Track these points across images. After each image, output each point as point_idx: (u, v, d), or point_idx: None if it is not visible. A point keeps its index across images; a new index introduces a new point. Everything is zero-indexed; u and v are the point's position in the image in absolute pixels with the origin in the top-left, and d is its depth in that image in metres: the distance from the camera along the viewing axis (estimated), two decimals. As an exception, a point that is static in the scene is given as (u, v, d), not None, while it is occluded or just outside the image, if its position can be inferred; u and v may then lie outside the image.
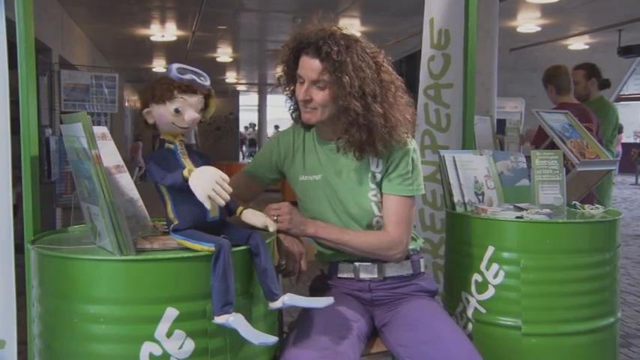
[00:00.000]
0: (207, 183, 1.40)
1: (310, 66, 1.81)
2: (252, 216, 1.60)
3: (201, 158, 1.57)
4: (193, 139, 18.37)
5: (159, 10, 8.62)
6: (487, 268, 2.07)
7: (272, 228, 1.59)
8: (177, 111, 1.48)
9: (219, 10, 8.23)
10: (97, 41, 11.12)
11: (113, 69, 8.10)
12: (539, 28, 9.09)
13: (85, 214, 1.59)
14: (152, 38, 10.35)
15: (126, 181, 1.70)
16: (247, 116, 24.28)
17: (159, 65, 14.60)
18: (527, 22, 8.80)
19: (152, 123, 1.52)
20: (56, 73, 5.38)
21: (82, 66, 7.33)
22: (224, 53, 12.86)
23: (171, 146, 1.54)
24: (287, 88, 1.95)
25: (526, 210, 2.15)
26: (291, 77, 1.91)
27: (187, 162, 1.53)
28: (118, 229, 1.41)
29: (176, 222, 1.48)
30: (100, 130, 1.77)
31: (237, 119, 21.89)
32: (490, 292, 2.07)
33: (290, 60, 1.88)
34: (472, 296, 2.11)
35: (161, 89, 1.48)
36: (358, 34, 1.88)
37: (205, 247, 1.42)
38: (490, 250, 2.06)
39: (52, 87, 5.44)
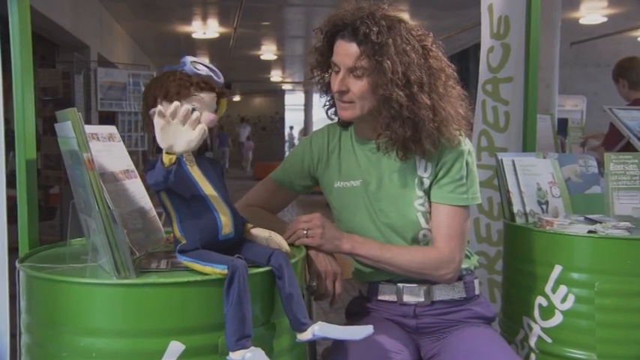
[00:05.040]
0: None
1: (346, 51, 1.60)
2: (260, 233, 1.39)
3: (212, 165, 1.37)
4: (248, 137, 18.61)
5: (199, 5, 8.58)
6: (553, 291, 1.84)
7: (284, 248, 1.37)
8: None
9: (261, 4, 8.12)
10: (138, 39, 11.20)
11: (155, 67, 8.06)
12: (604, 19, 8.66)
13: (84, 227, 1.42)
14: (194, 35, 10.36)
15: (136, 188, 1.53)
16: (293, 116, 24.33)
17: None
18: (592, 13, 8.40)
19: None
20: (93, 71, 5.31)
21: (119, 64, 7.31)
22: (268, 50, 12.83)
23: None
24: (321, 80, 1.75)
25: (600, 223, 1.91)
26: (326, 67, 1.72)
27: (195, 170, 1.33)
28: (115, 246, 1.23)
29: (184, 241, 1.28)
30: (108, 129, 1.64)
31: (282, 119, 21.93)
32: (557, 318, 1.84)
33: (324, 46, 1.69)
34: (535, 322, 1.89)
35: (176, 85, 1.27)
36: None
37: (217, 270, 1.23)
38: (557, 269, 1.83)
39: (89, 85, 5.37)
